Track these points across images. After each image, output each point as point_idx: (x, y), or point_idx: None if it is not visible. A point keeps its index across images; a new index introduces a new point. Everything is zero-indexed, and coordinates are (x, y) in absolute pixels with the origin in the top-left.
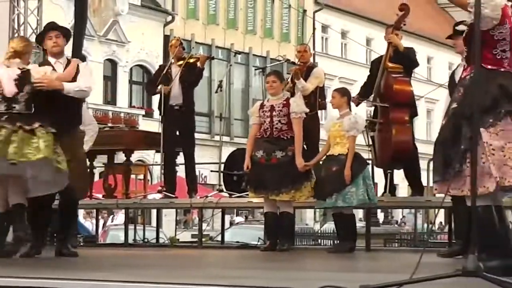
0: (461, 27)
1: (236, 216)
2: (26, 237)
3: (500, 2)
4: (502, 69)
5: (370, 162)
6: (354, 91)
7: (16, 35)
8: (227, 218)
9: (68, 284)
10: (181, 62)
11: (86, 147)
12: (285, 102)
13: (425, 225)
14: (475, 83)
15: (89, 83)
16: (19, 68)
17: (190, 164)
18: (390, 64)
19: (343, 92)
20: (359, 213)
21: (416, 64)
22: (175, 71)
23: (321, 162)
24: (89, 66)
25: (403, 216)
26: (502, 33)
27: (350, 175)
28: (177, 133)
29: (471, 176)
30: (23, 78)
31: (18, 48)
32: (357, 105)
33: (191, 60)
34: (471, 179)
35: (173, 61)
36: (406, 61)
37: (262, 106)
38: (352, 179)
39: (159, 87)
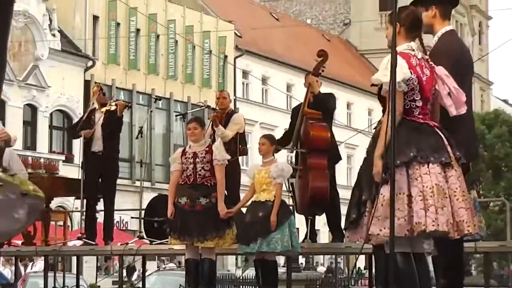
0: None
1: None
2: None
3: (386, 62)
4: (408, 118)
5: (291, 208)
6: (276, 136)
7: None
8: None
9: None
10: (103, 110)
11: None
12: (207, 148)
13: (346, 270)
14: (375, 136)
15: None
16: None
17: (108, 211)
18: (308, 110)
19: (272, 140)
20: (280, 259)
21: (332, 110)
22: (98, 117)
23: (243, 209)
24: None
25: (331, 263)
26: (408, 84)
27: (276, 221)
28: (99, 179)
29: (390, 224)
30: None
31: None
32: (275, 153)
33: (112, 108)
34: (390, 227)
35: (97, 107)
36: (323, 108)
37: (184, 152)
38: (277, 226)
39: (80, 132)
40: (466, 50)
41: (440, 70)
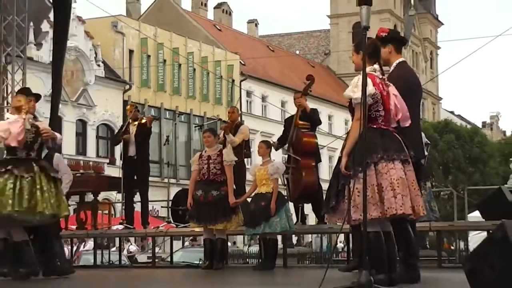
0: None
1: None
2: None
3: (355, 81)
4: (375, 126)
5: (286, 197)
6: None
7: (5, 102)
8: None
9: None
10: (136, 123)
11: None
12: (219, 152)
13: (329, 245)
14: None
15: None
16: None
17: (144, 201)
18: (300, 122)
19: (268, 145)
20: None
21: (319, 123)
22: (132, 129)
23: (248, 199)
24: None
25: (310, 241)
26: (374, 98)
27: (274, 208)
28: (135, 177)
29: (363, 208)
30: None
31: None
32: (276, 150)
33: (142, 121)
34: (363, 211)
35: (130, 121)
36: (311, 121)
37: (201, 156)
38: (276, 212)
39: (120, 137)
40: (415, 76)
41: (391, 89)
